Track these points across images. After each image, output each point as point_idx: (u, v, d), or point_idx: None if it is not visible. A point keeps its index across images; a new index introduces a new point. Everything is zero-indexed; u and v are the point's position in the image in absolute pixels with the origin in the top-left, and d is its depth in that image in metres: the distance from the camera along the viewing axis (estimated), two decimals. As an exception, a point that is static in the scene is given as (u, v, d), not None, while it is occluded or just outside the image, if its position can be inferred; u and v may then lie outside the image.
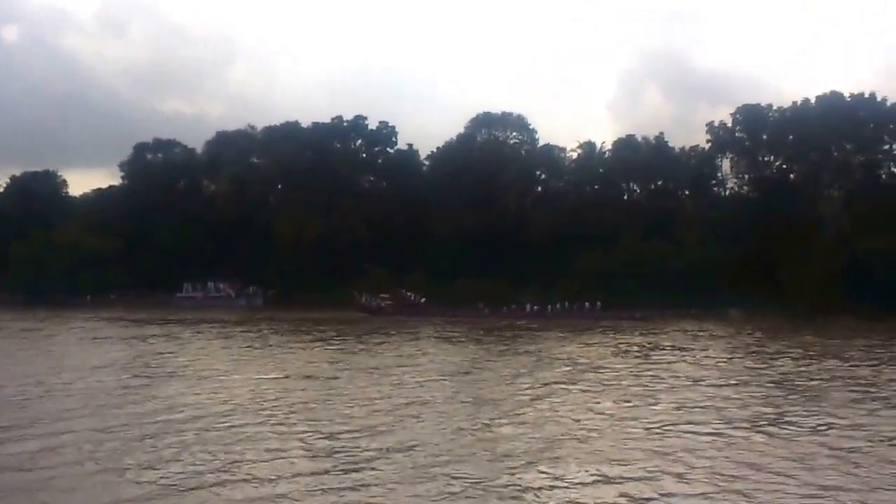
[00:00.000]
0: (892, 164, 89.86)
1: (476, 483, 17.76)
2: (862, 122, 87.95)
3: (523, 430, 23.18)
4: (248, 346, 48.48)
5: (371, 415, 25.53)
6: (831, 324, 61.01)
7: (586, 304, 75.64)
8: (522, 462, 19.56)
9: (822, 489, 17.13)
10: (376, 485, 17.62)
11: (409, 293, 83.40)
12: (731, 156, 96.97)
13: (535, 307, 76.75)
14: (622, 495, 16.99)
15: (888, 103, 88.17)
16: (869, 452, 20.15)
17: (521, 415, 25.68)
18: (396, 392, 30.33)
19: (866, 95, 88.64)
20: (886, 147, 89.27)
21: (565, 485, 17.72)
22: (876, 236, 75.38)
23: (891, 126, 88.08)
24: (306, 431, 23.06)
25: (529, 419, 24.92)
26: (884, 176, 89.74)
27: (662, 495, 16.83)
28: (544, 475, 18.37)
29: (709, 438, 21.98)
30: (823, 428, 23.29)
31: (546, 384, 32.09)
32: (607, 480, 18.01)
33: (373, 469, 18.86)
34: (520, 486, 17.60)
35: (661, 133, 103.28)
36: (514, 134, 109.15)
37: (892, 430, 22.61)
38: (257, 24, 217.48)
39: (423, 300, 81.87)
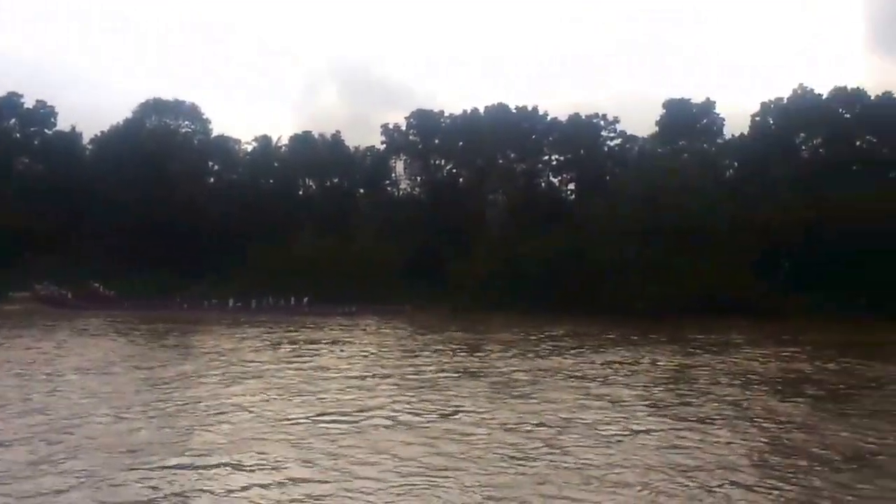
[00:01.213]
0: (550, 173, 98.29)
1: (99, 481, 17.51)
2: (525, 134, 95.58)
3: (158, 426, 23.07)
4: None
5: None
6: (488, 321, 64.54)
7: (293, 299, 76.29)
8: (155, 457, 19.51)
9: (446, 471, 18.62)
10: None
11: (97, 285, 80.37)
12: (404, 158, 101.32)
13: (239, 303, 76.19)
14: (259, 485, 17.48)
15: (548, 118, 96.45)
16: (485, 437, 22.02)
17: (161, 409, 25.59)
18: (31, 390, 29.04)
19: (529, 109, 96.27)
20: (546, 158, 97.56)
21: (197, 478, 17.91)
22: (534, 240, 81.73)
23: (550, 139, 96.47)
24: None
25: (168, 413, 25.00)
26: (543, 185, 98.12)
27: (309, 495, 17.18)
28: (176, 470, 18.43)
29: (343, 429, 22.97)
30: (452, 415, 25.21)
31: (199, 381, 32.04)
32: (239, 471, 18.41)
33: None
34: (147, 484, 17.50)
35: (338, 132, 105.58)
36: (187, 123, 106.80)
37: (506, 417, 24.81)
38: None
39: (112, 293, 79.32)
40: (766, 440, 22.51)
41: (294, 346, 46.40)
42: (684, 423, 24.02)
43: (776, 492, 17.37)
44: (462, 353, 42.96)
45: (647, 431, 23.11)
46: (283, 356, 41.40)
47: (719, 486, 17.71)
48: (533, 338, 51.13)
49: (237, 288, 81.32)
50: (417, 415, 25.40)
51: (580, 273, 75.84)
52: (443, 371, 35.66)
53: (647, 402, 27.94)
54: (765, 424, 24.52)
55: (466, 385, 31.64)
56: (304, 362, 38.75)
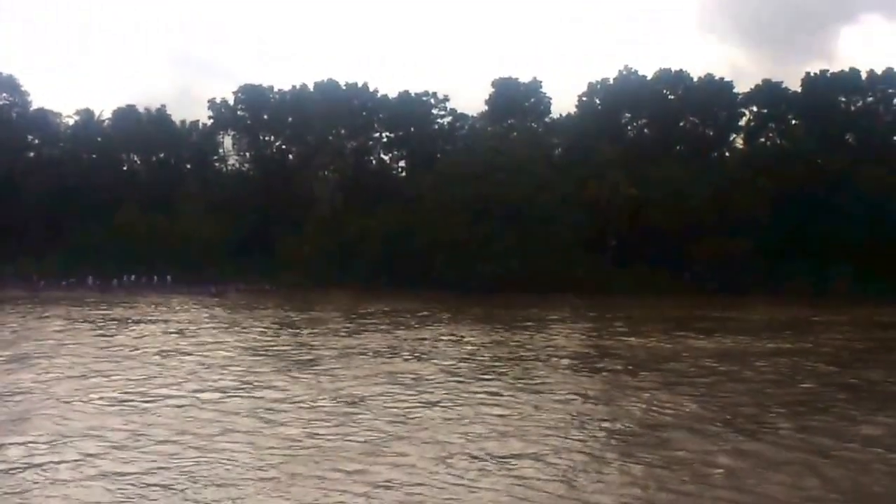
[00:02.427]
0: (381, 150, 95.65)
1: None
2: (355, 111, 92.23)
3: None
4: None
5: None
6: (320, 299, 62.80)
7: (155, 277, 72.08)
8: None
9: (240, 447, 17.78)
10: None
11: None
12: (232, 133, 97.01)
13: (98, 281, 71.33)
14: (50, 463, 16.34)
15: (378, 94, 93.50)
16: (286, 413, 21.26)
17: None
18: None
19: (359, 85, 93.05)
20: (376, 135, 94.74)
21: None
22: (365, 217, 79.77)
23: (380, 116, 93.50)
24: None
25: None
26: (374, 162, 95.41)
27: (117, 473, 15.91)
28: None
29: (142, 408, 21.80)
30: (251, 390, 24.43)
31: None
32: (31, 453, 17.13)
33: None
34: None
35: (163, 106, 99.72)
36: (4, 95, 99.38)
37: (306, 393, 24.18)
38: None
39: None
40: (557, 413, 21.91)
41: (121, 324, 43.82)
42: (479, 398, 23.71)
43: (563, 462, 16.79)
44: (275, 331, 41.83)
45: (441, 405, 22.64)
46: (106, 335, 38.88)
47: (507, 457, 17.12)
48: (353, 315, 49.79)
49: (58, 266, 76.65)
50: (220, 392, 24.31)
51: (412, 251, 74.28)
52: (253, 348, 34.54)
53: (447, 378, 27.22)
54: (558, 398, 24.09)
55: (272, 362, 30.52)
56: (126, 340, 36.81)
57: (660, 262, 72.42)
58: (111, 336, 38.56)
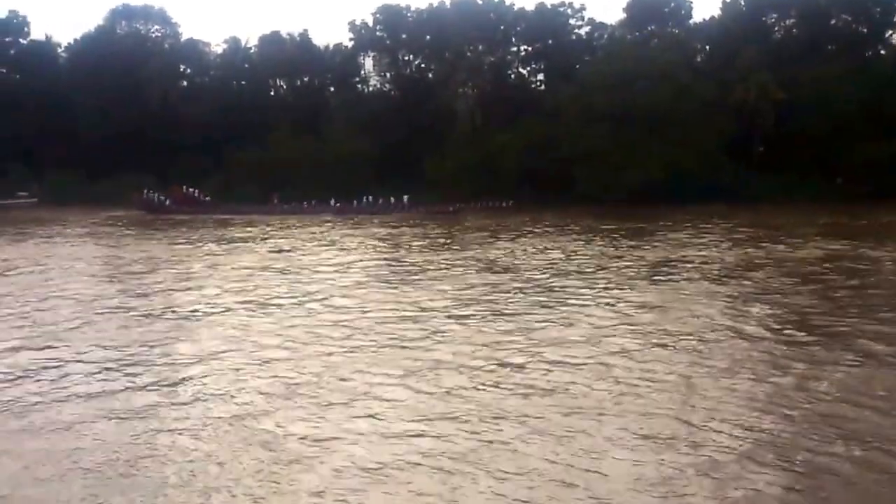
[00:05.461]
0: (519, 65, 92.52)
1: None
2: (492, 25, 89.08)
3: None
4: None
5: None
6: (466, 214, 62.76)
7: (392, 198, 71.42)
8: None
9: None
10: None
11: (191, 189, 76.75)
12: (373, 54, 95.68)
13: (338, 203, 71.07)
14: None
15: (515, 8, 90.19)
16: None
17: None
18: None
19: (495, 0, 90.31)
20: (514, 49, 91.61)
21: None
22: (505, 131, 77.35)
23: (517, 29, 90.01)
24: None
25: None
26: (512, 76, 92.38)
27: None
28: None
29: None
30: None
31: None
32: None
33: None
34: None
35: (306, 30, 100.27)
36: (157, 27, 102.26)
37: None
38: None
39: (207, 197, 76.21)
40: (607, 322, 20.77)
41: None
42: (535, 308, 22.65)
43: (601, 367, 16.21)
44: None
45: (469, 316, 21.91)
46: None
47: (554, 359, 16.70)
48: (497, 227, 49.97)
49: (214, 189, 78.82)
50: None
51: (553, 163, 71.62)
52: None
53: (513, 285, 26.69)
54: (615, 306, 22.93)
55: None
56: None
57: (810, 167, 67.92)
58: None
